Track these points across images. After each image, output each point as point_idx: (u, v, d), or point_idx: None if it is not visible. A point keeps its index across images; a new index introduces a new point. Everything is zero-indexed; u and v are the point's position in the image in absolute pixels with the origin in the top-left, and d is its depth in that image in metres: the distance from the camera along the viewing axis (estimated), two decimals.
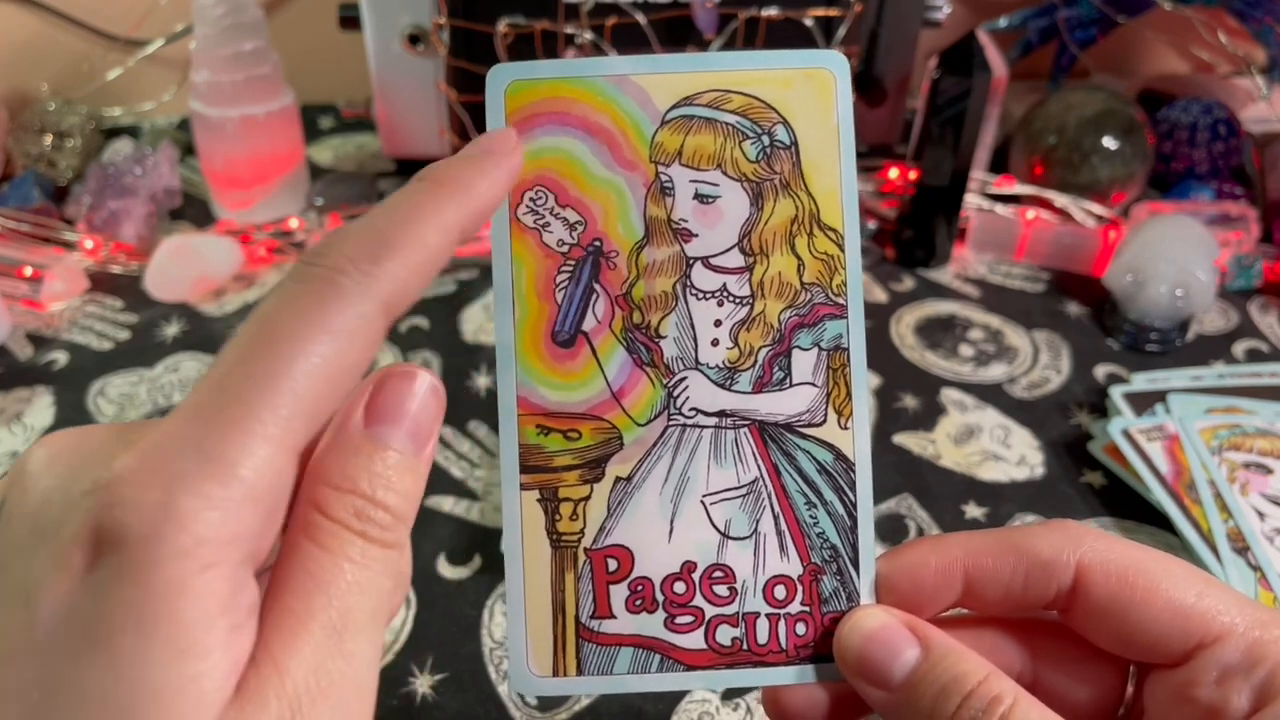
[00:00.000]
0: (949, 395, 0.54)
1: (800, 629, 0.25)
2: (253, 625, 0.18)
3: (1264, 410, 0.49)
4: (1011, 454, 0.50)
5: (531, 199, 0.24)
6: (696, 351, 0.25)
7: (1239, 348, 0.59)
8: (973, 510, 0.47)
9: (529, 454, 0.24)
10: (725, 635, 0.24)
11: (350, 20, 0.65)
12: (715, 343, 0.25)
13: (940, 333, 0.59)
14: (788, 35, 0.61)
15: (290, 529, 0.19)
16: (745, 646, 0.25)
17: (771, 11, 0.60)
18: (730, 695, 0.38)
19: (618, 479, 0.24)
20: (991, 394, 0.54)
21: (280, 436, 0.18)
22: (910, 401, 0.53)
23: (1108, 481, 0.48)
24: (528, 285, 0.24)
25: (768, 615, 0.25)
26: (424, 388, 0.21)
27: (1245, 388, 0.52)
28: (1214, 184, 0.70)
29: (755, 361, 0.25)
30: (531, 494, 0.24)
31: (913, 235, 0.64)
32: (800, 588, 0.25)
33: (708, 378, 0.25)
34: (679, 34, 0.60)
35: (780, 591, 0.25)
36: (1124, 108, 0.67)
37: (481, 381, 0.54)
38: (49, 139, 0.70)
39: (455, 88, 0.62)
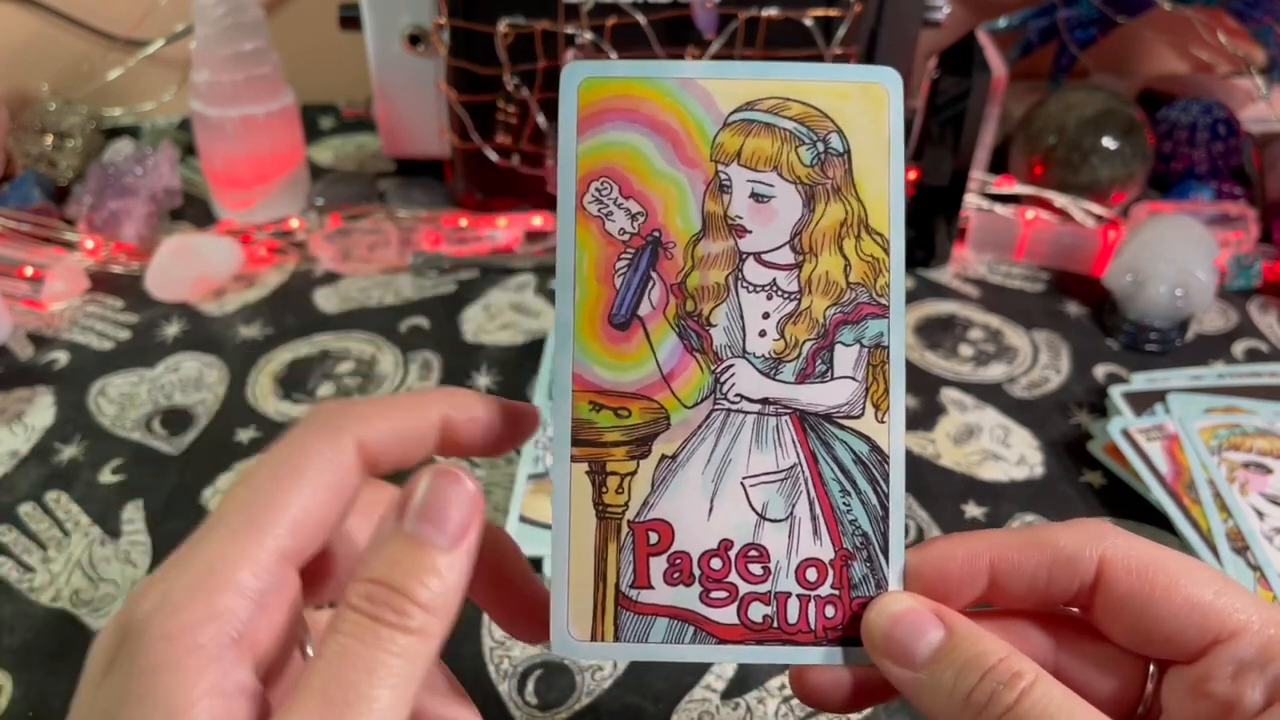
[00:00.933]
0: (949, 395, 0.54)
1: (829, 611, 0.26)
2: (245, 702, 0.20)
3: (1263, 410, 0.49)
4: (1011, 454, 0.50)
5: (597, 189, 0.26)
6: (744, 341, 0.26)
7: (1238, 347, 0.59)
8: (972, 510, 0.47)
9: (580, 428, 0.26)
10: (757, 612, 0.26)
11: (350, 20, 0.65)
12: (763, 334, 0.26)
13: (940, 332, 0.59)
14: (788, 35, 0.61)
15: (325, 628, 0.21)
16: (775, 625, 0.26)
17: (771, 11, 0.60)
18: (730, 694, 0.38)
19: (663, 457, 0.26)
20: (991, 394, 0.54)
21: (255, 538, 0.21)
22: (910, 401, 0.53)
23: (1107, 481, 0.48)
24: (589, 269, 0.26)
25: (799, 596, 0.26)
26: (461, 490, 0.23)
27: (1245, 387, 0.52)
28: (1213, 184, 0.70)
29: (799, 354, 0.26)
30: (581, 466, 0.25)
31: (913, 235, 0.64)
32: (831, 571, 0.26)
33: (754, 366, 0.26)
34: (679, 34, 0.60)
35: (812, 574, 0.26)
36: (1124, 108, 0.67)
37: (481, 381, 0.54)
38: (49, 139, 0.70)
39: (455, 88, 0.62)
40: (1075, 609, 0.25)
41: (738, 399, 0.26)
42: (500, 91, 0.62)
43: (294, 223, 0.66)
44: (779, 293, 0.26)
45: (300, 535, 0.22)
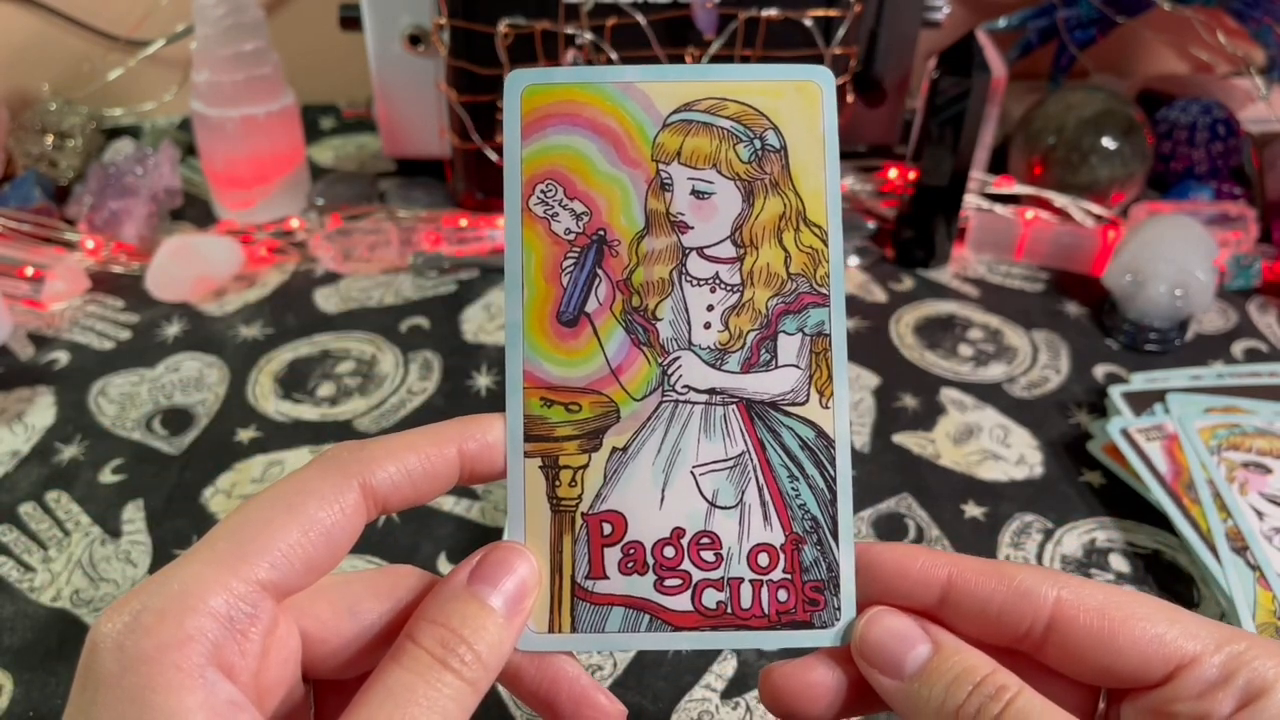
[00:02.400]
0: (948, 395, 0.54)
1: (782, 595, 0.26)
2: (242, 715, 0.21)
3: (1263, 410, 0.49)
4: (1011, 453, 0.50)
5: (543, 191, 0.26)
6: (690, 334, 0.27)
7: (1238, 347, 0.59)
8: (972, 509, 0.47)
9: (533, 424, 0.26)
10: (711, 599, 0.26)
11: (351, 21, 0.65)
12: (707, 326, 0.27)
13: (939, 332, 0.59)
14: (788, 36, 0.61)
15: (383, 660, 0.23)
16: (730, 610, 0.26)
17: (771, 12, 0.60)
18: (730, 694, 0.38)
19: (614, 449, 0.26)
20: (991, 394, 0.54)
21: (233, 566, 0.22)
22: (909, 401, 0.53)
23: (1107, 481, 0.48)
24: (536, 270, 0.26)
25: (751, 581, 0.26)
26: (527, 567, 0.25)
27: (1244, 387, 0.52)
28: (1213, 184, 0.70)
29: (744, 344, 0.27)
30: (534, 461, 0.26)
31: (912, 235, 0.64)
32: (782, 556, 0.26)
33: (700, 358, 0.27)
34: (679, 34, 0.60)
35: (763, 559, 0.26)
36: (1123, 108, 0.67)
37: (482, 381, 0.54)
38: (50, 139, 0.70)
39: (455, 88, 0.62)
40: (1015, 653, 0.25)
41: (685, 390, 0.27)
42: (500, 92, 0.62)
43: (294, 223, 0.66)
44: (722, 285, 0.27)
45: (283, 569, 0.22)
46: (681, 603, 0.26)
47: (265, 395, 0.53)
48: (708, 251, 0.27)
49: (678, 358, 0.27)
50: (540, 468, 0.26)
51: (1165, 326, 0.57)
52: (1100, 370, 0.56)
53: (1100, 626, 0.24)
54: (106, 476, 0.47)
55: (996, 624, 0.25)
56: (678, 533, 0.26)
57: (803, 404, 0.27)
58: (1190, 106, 0.72)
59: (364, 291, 0.61)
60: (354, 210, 0.65)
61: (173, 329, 0.58)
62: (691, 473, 0.26)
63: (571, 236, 0.26)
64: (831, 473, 0.26)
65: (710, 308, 0.27)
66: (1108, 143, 0.66)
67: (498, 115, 0.63)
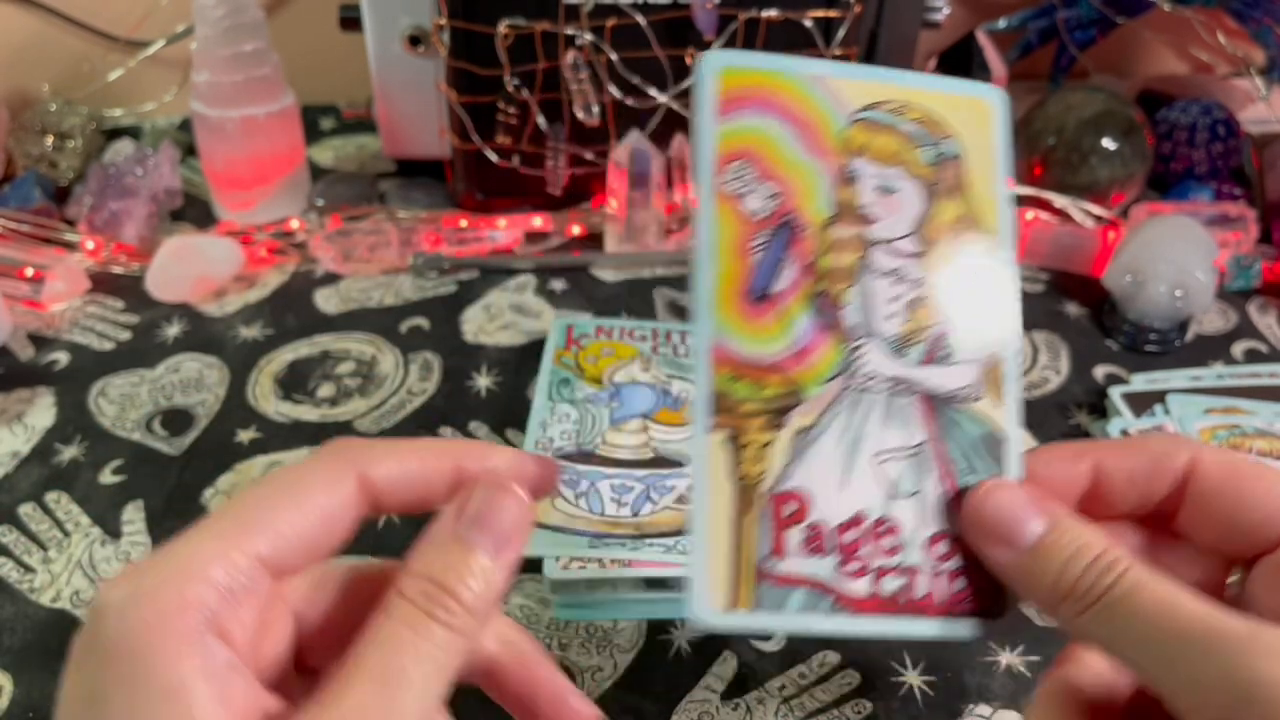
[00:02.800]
0: None
1: (958, 585, 0.27)
2: (239, 679, 0.21)
3: (1263, 410, 0.49)
4: None
5: (737, 169, 0.27)
6: (874, 323, 0.27)
7: (1238, 348, 0.59)
8: None
9: (720, 399, 0.26)
10: (890, 585, 0.26)
11: (351, 21, 0.65)
12: (889, 317, 0.27)
13: None
14: (788, 36, 0.61)
15: (373, 613, 0.23)
16: (906, 597, 0.26)
17: (771, 12, 0.60)
18: (730, 694, 0.38)
19: (799, 429, 0.27)
20: None
21: (234, 539, 0.22)
22: None
23: None
24: (728, 245, 0.27)
25: (929, 569, 0.27)
26: (513, 502, 0.25)
27: (1244, 388, 0.52)
28: (1213, 184, 0.70)
29: (925, 338, 0.27)
30: (719, 436, 0.26)
31: None
32: (960, 546, 0.27)
33: (883, 347, 0.27)
34: (679, 35, 0.60)
35: (941, 548, 0.27)
36: (1123, 108, 0.67)
37: (482, 382, 0.54)
38: (50, 140, 0.70)
39: (456, 88, 0.62)
40: (1157, 522, 0.27)
41: (869, 376, 0.27)
42: (500, 92, 0.62)
43: (294, 223, 0.66)
44: (905, 279, 0.27)
45: (280, 547, 0.23)
46: (861, 587, 0.26)
47: (265, 396, 0.53)
48: (892, 245, 0.27)
49: (862, 344, 0.27)
50: (725, 441, 0.26)
51: (1165, 327, 0.57)
52: (1100, 371, 0.56)
53: (1230, 482, 0.25)
54: (106, 477, 0.47)
55: (1147, 487, 0.26)
56: (859, 517, 0.26)
57: (977, 400, 0.27)
58: (1190, 107, 0.72)
59: (364, 292, 0.61)
60: (354, 211, 0.65)
61: (173, 330, 0.58)
62: (874, 458, 0.27)
63: (761, 217, 0.27)
64: (1001, 469, 0.27)
65: (894, 299, 0.27)
66: (1108, 143, 0.66)
67: (498, 116, 0.63)
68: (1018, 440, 0.27)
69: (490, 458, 0.26)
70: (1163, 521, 0.27)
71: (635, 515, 0.41)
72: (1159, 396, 0.51)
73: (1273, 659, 0.20)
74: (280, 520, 0.23)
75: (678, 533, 0.40)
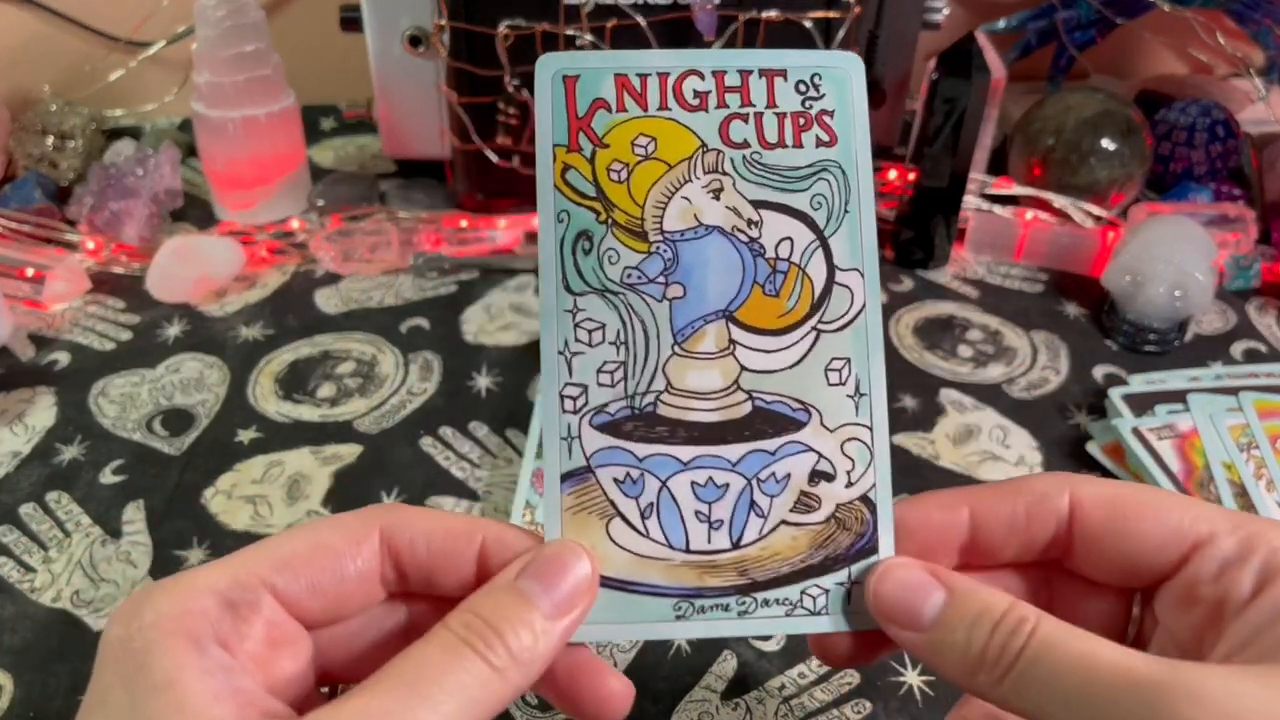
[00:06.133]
0: (948, 396, 0.54)
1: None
2: (242, 678, 0.22)
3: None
4: (1010, 454, 0.50)
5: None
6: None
7: (1237, 348, 0.59)
8: None
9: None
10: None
11: (351, 22, 0.65)
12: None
13: (939, 333, 0.59)
14: (788, 37, 0.61)
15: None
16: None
17: (771, 13, 0.60)
18: (730, 694, 0.38)
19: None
20: (990, 394, 0.54)
21: (240, 561, 0.23)
22: (909, 402, 0.54)
23: None
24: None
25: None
26: (580, 567, 0.24)
27: (1244, 388, 0.52)
28: (1212, 185, 0.70)
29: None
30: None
31: (912, 236, 0.65)
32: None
33: None
34: (679, 36, 0.61)
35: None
36: (1122, 109, 0.67)
37: (482, 382, 0.54)
38: (51, 140, 0.70)
39: (456, 89, 0.62)
40: (1049, 561, 0.26)
41: None
42: (501, 93, 0.62)
43: (295, 224, 0.66)
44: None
45: (287, 577, 0.23)
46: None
47: (266, 396, 0.53)
48: None
49: None
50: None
51: (1164, 327, 0.57)
52: (1099, 371, 0.56)
53: (1114, 517, 0.24)
54: (107, 477, 0.48)
55: (1027, 533, 0.25)
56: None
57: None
58: (1189, 108, 0.72)
59: (364, 292, 0.61)
60: (354, 211, 0.65)
61: (173, 330, 0.58)
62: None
63: None
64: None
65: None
66: (1107, 144, 0.66)
67: (498, 117, 0.63)
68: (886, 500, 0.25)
69: (518, 542, 0.25)
70: (1053, 562, 0.26)
71: (738, 543, 0.26)
72: (1159, 397, 0.51)
73: (1194, 703, 0.19)
74: (286, 548, 0.23)
75: (807, 571, 0.26)
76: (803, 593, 0.26)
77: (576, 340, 0.26)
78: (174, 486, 0.47)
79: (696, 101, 0.26)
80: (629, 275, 0.26)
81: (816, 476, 0.26)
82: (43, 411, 0.51)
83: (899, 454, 0.50)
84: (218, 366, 0.55)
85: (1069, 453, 0.50)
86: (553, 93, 0.26)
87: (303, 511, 0.46)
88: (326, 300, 0.61)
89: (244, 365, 0.55)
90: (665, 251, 0.26)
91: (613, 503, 0.26)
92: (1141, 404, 0.50)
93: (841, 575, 0.26)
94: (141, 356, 0.56)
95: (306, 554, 0.24)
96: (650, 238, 0.26)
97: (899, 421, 0.52)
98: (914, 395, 0.54)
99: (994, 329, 0.60)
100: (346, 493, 0.47)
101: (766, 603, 0.26)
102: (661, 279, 0.26)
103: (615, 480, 0.26)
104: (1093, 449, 0.50)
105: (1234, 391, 0.51)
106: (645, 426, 0.26)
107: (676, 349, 0.26)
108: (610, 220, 0.26)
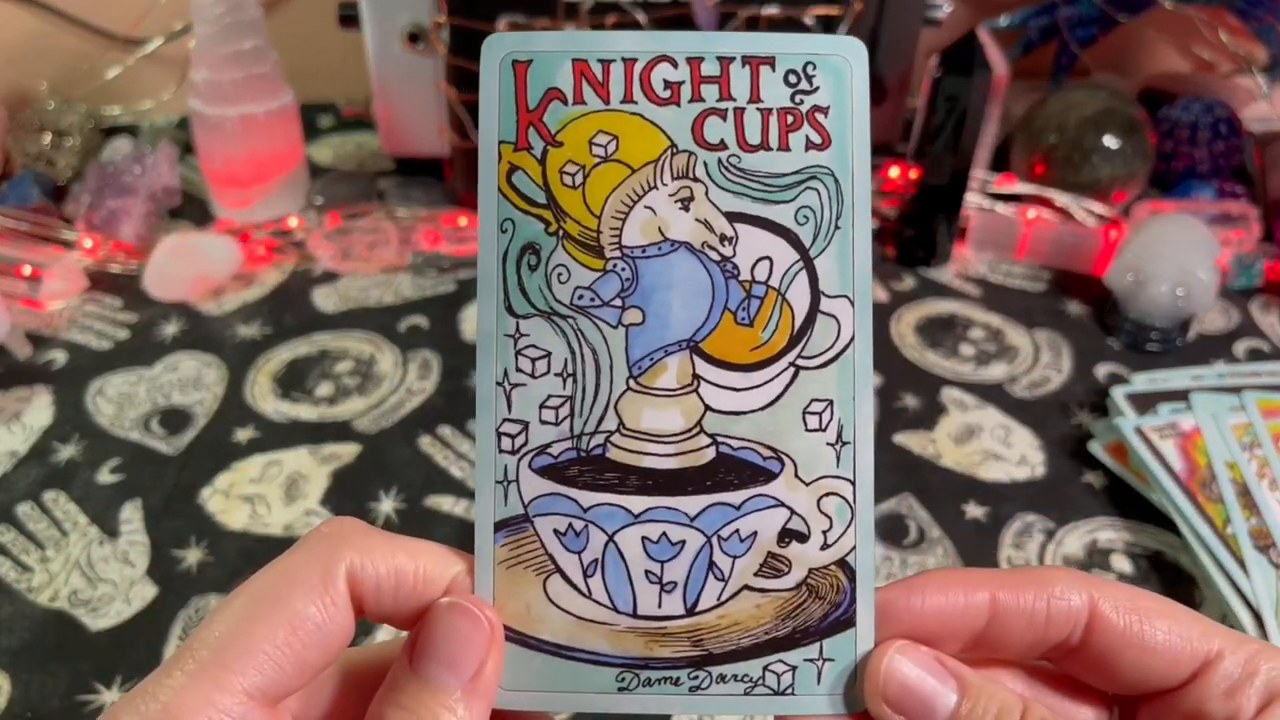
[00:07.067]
0: (949, 395, 0.54)
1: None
2: None
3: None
4: (1012, 453, 0.50)
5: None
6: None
7: (1240, 347, 0.59)
8: (973, 510, 0.47)
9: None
10: None
11: (350, 19, 0.65)
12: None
13: (941, 332, 0.59)
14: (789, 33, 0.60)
15: None
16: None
17: (772, 10, 0.60)
18: None
19: None
20: (992, 393, 0.54)
21: (216, 677, 0.20)
22: (910, 401, 0.53)
23: (1108, 481, 0.48)
24: None
25: None
26: (476, 626, 0.22)
27: (1247, 387, 0.52)
28: (1215, 183, 0.70)
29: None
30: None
31: (913, 234, 0.64)
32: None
33: None
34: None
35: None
36: (1125, 107, 0.67)
37: None
38: (48, 138, 0.70)
39: (455, 86, 0.62)
40: (1046, 663, 0.25)
41: None
42: None
43: (293, 222, 0.66)
44: None
45: (271, 674, 0.21)
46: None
47: (263, 395, 0.53)
48: None
49: None
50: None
51: (1167, 326, 0.57)
52: (1102, 370, 0.56)
53: (1134, 625, 0.23)
54: (104, 476, 0.47)
55: (1043, 633, 0.23)
56: None
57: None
58: (1192, 105, 0.72)
59: (363, 291, 0.61)
60: (353, 209, 0.65)
61: (171, 328, 0.58)
62: None
63: None
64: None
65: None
66: (1109, 142, 0.66)
67: None
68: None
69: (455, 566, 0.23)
70: (1055, 660, 0.25)
71: (692, 610, 0.23)
72: (1161, 396, 0.50)
73: None
74: (267, 643, 0.21)
75: (771, 644, 0.23)
76: (765, 669, 0.23)
77: (518, 370, 0.22)
78: (172, 486, 0.47)
79: (667, 94, 0.22)
80: (580, 296, 0.22)
81: (787, 536, 0.23)
82: (40, 411, 0.51)
83: (899, 453, 0.50)
84: (215, 365, 0.55)
85: (1071, 452, 0.50)
86: (500, 80, 0.22)
87: (301, 511, 0.46)
88: (325, 299, 0.60)
89: (242, 364, 0.55)
90: (623, 270, 0.22)
91: (552, 557, 0.23)
92: (1144, 403, 0.50)
93: (811, 651, 0.23)
94: (139, 355, 0.55)
95: (287, 640, 0.21)
96: (607, 253, 0.22)
97: (900, 420, 0.52)
98: (915, 394, 0.54)
99: (996, 327, 0.60)
100: (345, 492, 0.47)
101: (723, 678, 0.23)
102: (618, 301, 0.22)
103: (556, 532, 0.23)
104: (1095, 448, 0.49)
105: (1237, 390, 0.51)
106: (592, 472, 0.23)
107: (632, 383, 0.22)
108: (561, 232, 0.22)
